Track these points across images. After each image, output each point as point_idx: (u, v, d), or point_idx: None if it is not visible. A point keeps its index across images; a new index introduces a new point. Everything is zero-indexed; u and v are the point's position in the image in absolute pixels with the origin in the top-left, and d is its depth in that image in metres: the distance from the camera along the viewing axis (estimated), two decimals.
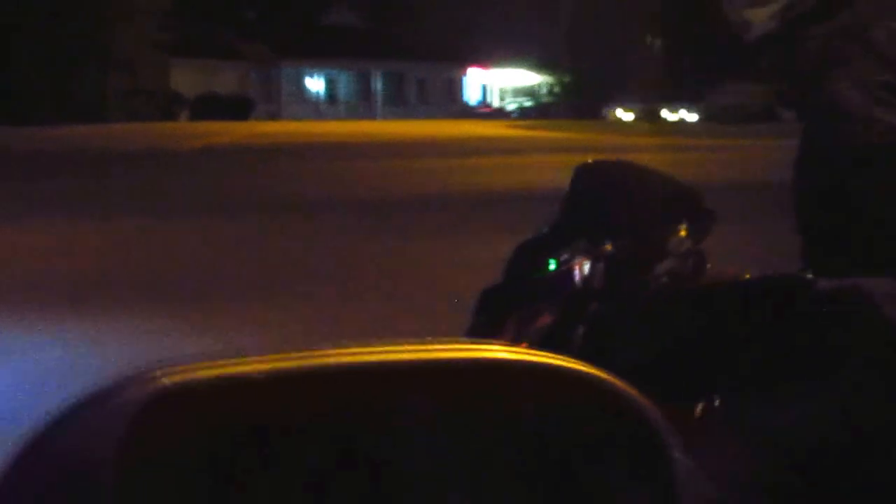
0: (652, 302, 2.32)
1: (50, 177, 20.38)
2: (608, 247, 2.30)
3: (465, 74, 67.03)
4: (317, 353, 1.24)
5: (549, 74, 65.28)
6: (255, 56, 55.67)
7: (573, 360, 1.31)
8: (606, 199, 2.42)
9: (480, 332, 2.42)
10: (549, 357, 1.31)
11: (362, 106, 60.71)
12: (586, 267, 2.29)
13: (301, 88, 61.26)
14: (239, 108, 49.70)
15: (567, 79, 56.44)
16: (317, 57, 58.81)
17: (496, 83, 68.21)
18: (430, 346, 1.31)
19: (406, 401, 1.25)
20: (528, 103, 63.15)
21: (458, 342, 1.35)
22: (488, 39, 58.97)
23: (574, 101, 55.26)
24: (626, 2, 54.84)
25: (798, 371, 2.15)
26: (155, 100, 48.64)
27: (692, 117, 53.88)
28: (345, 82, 63.34)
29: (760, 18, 2.32)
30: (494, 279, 2.47)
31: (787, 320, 2.20)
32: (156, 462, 1.12)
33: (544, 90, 66.57)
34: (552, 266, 2.37)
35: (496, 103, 66.28)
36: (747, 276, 2.37)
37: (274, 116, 51.94)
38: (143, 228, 14.06)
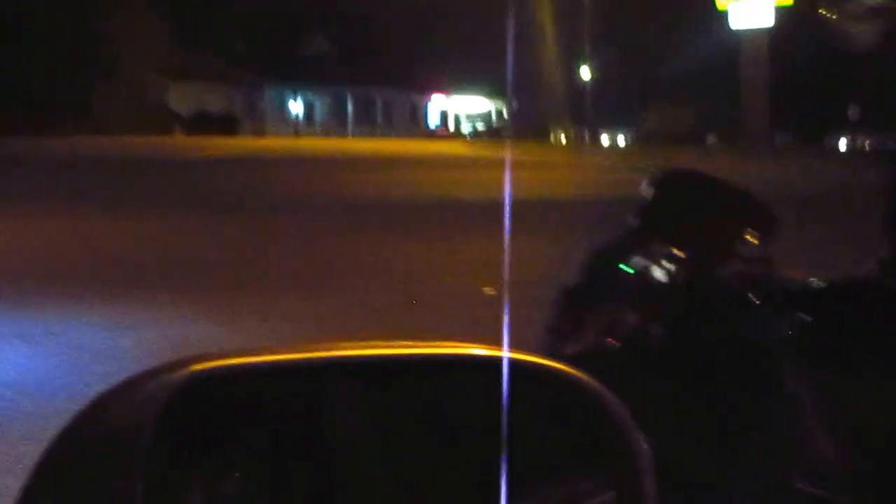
0: (726, 302, 2.20)
1: (82, 177, 21.44)
2: (682, 251, 2.20)
3: (428, 100, 66.33)
4: (321, 346, 1.33)
5: (500, 100, 64.87)
6: (242, 80, 55.30)
7: (551, 360, 1.36)
8: (680, 206, 2.31)
9: (561, 328, 2.36)
10: (528, 356, 1.32)
11: (336, 126, 59.67)
12: (663, 269, 2.19)
13: (283, 109, 60.95)
14: (227, 126, 50.29)
15: (514, 105, 56.42)
16: (296, 81, 58.43)
17: (454, 108, 67.80)
18: (422, 345, 1.37)
19: (389, 392, 1.34)
20: (481, 126, 63.70)
21: (446, 344, 1.39)
22: (448, 69, 58.51)
23: (522, 125, 55.57)
24: (561, 38, 54.83)
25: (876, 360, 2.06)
26: (155, 116, 49.18)
27: (620, 139, 54.31)
28: (321, 105, 62.65)
29: (865, 32, 3.40)
30: (572, 279, 2.32)
31: (864, 316, 2.11)
32: (186, 433, 1.22)
33: (495, 115, 66.63)
34: (629, 269, 2.25)
35: (453, 127, 66.26)
36: (819, 281, 2.25)
37: (258, 134, 52.02)
38: (165, 221, 14.57)
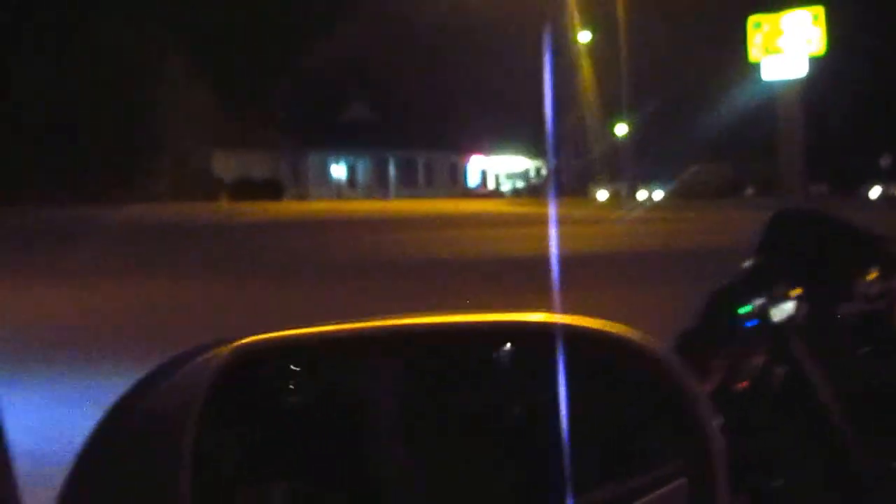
0: (847, 340, 2.16)
1: (146, 244, 21.95)
2: (802, 290, 2.18)
3: (467, 161, 66.94)
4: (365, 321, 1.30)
5: (539, 159, 65.73)
6: (285, 146, 56.09)
7: (610, 324, 1.28)
8: (801, 246, 2.29)
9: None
10: (590, 321, 1.27)
11: (378, 188, 60.48)
12: (785, 310, 2.16)
13: (325, 173, 61.82)
14: (272, 191, 51.06)
15: (553, 163, 56.24)
16: (338, 146, 59.45)
17: (493, 167, 68.41)
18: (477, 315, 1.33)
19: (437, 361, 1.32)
20: (520, 184, 64.42)
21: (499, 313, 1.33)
22: (487, 130, 59.40)
23: (561, 183, 56.32)
24: (599, 95, 55.08)
25: None
26: (200, 183, 50.10)
27: (658, 194, 54.47)
28: (363, 168, 63.42)
29: None
30: (690, 324, 2.24)
31: None
32: (231, 404, 1.23)
33: (534, 173, 67.46)
34: (749, 310, 2.20)
35: (492, 185, 66.83)
36: None
37: (302, 197, 52.91)
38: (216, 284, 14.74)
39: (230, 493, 1.26)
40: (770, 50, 47.19)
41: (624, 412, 1.34)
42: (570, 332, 1.26)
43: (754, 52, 47.91)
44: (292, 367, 1.33)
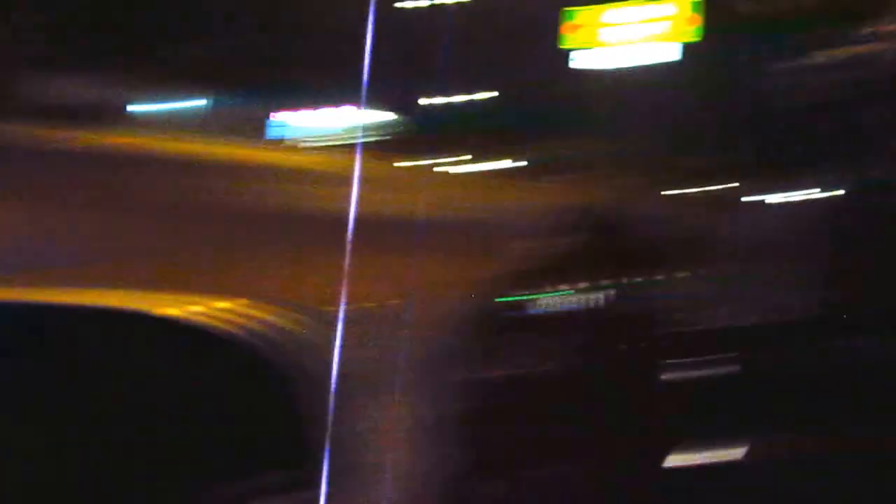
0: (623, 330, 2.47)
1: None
2: (584, 284, 2.37)
3: (279, 112, 65.70)
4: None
5: (366, 113, 64.33)
6: (108, 78, 54.46)
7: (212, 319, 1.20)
8: (594, 238, 2.45)
9: (475, 349, 2.31)
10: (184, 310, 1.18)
11: (194, 129, 58.42)
12: (567, 301, 2.35)
13: (144, 111, 59.39)
14: (88, 119, 49.12)
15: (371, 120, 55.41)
16: (158, 84, 58.12)
17: (305, 121, 67.31)
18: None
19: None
20: (331, 138, 63.87)
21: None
22: (299, 85, 58.88)
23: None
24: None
25: None
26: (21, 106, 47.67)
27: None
28: (180, 108, 62.01)
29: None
30: (486, 302, 2.29)
31: None
32: None
33: (342, 130, 66.59)
34: (547, 296, 2.37)
35: (305, 138, 65.56)
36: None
37: (118, 128, 50.14)
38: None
39: None
40: (582, 43, 48.68)
41: (222, 404, 1.24)
42: (158, 322, 1.18)
43: (567, 42, 49.15)
44: None
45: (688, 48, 6.87)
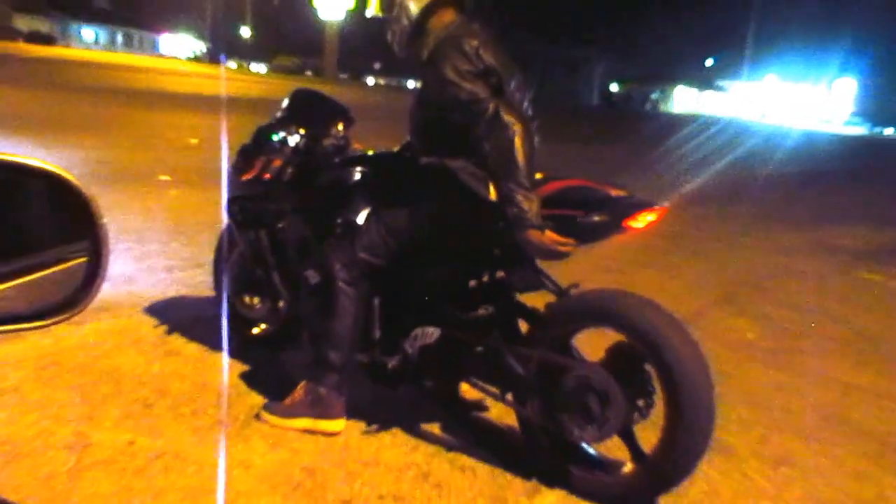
0: (329, 157, 3.27)
1: None
2: (304, 131, 3.27)
3: (160, 35, 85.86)
4: None
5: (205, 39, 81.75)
6: (58, 17, 76.18)
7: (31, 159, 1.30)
8: (304, 107, 3.38)
9: (240, 168, 3.51)
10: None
11: (112, 48, 79.27)
12: (294, 139, 3.26)
13: (79, 35, 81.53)
14: (49, 41, 64.62)
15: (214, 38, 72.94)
16: (89, 20, 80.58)
17: (181, 42, 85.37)
18: None
19: None
20: (195, 53, 79.04)
21: None
22: (176, 12, 76.43)
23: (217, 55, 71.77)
24: None
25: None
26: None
27: (263, 68, 76.31)
28: (103, 35, 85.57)
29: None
30: (245, 143, 3.42)
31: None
32: None
33: (204, 47, 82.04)
34: (278, 136, 3.31)
35: (179, 53, 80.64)
36: (370, 151, 3.32)
37: (67, 47, 64.90)
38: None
39: None
40: None
41: (27, 214, 1.36)
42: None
43: None
44: None
45: None
